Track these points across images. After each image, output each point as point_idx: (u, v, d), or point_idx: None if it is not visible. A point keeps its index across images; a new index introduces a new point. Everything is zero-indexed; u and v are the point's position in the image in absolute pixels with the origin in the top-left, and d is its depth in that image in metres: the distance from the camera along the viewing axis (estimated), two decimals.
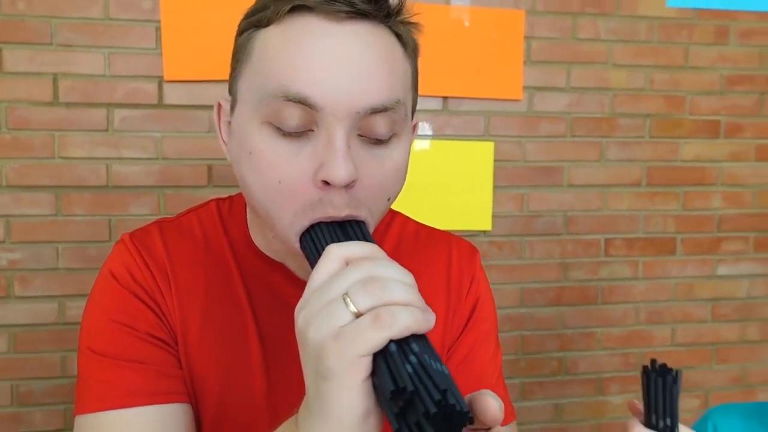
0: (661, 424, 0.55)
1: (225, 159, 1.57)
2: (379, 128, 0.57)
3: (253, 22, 0.60)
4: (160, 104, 1.60)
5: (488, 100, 1.77)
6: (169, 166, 1.62)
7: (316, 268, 0.47)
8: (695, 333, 2.01)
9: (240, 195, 0.76)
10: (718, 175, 1.97)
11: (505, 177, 1.81)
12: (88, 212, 1.59)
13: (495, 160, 1.79)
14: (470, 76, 1.73)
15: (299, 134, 0.56)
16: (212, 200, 0.78)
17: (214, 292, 0.70)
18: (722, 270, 2.01)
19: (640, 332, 1.97)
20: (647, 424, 0.57)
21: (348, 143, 0.55)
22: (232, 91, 0.63)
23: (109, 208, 1.60)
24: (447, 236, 0.83)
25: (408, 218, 0.83)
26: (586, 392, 1.94)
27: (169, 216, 0.77)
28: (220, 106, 0.67)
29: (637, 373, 1.95)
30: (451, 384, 0.41)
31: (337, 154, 0.54)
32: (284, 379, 0.69)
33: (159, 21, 1.57)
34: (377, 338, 0.41)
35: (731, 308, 2.03)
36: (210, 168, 1.63)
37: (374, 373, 0.43)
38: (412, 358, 0.41)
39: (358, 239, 0.55)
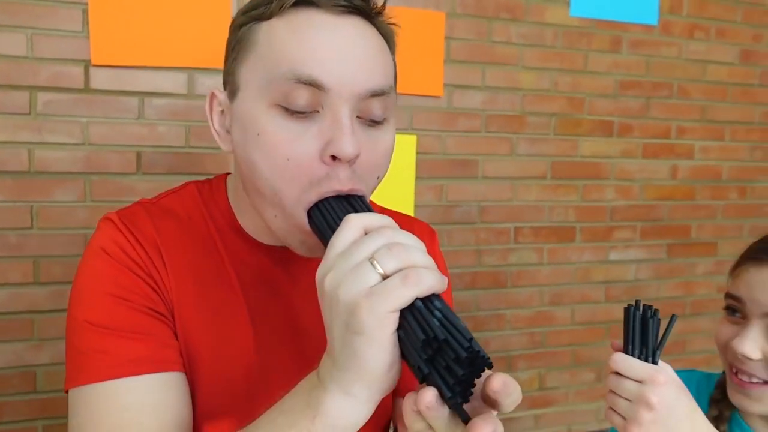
0: (635, 352, 0.66)
1: (155, 146, 1.58)
2: (375, 110, 0.64)
3: (254, 17, 0.65)
4: (86, 89, 1.56)
5: (412, 96, 1.87)
6: (95, 152, 1.59)
7: (336, 234, 0.52)
8: (591, 313, 2.21)
9: (218, 179, 0.80)
10: (611, 170, 2.19)
11: (426, 169, 1.92)
12: (9, 198, 1.53)
13: (417, 153, 1.89)
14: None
15: (305, 115, 0.61)
16: (190, 183, 0.80)
17: (204, 270, 0.72)
18: (614, 255, 2.23)
19: (544, 313, 2.14)
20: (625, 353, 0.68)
21: (352, 122, 0.62)
22: (232, 81, 0.67)
23: (32, 194, 1.54)
24: (409, 218, 0.91)
25: (372, 201, 0.90)
26: (497, 369, 2.08)
27: (147, 198, 0.78)
28: (213, 96, 0.70)
29: (542, 350, 2.14)
30: (469, 333, 0.47)
31: (345, 131, 0.60)
32: (273, 353, 0.74)
33: (86, 3, 1.54)
34: (406, 295, 0.47)
35: (621, 290, 2.26)
36: (139, 155, 1.62)
37: (400, 327, 0.49)
38: (437, 313, 0.48)
39: (362, 209, 0.62)
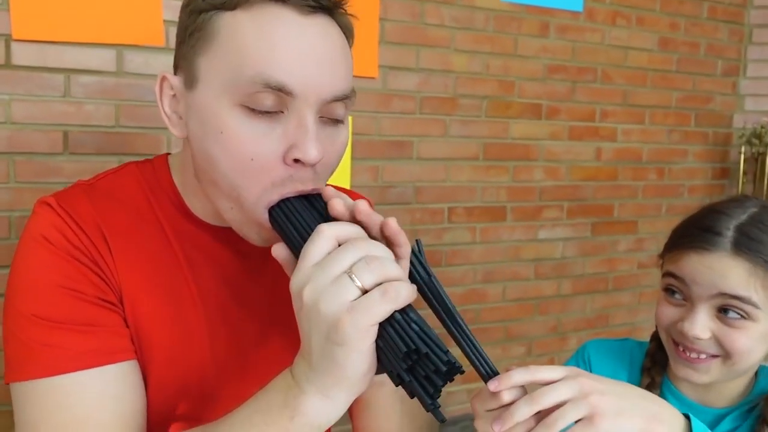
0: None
1: (83, 126, 1.53)
2: (338, 111, 0.65)
3: (216, 5, 0.63)
4: (7, 65, 1.49)
5: None
6: (18, 132, 1.52)
7: (310, 245, 0.54)
8: (521, 289, 2.30)
9: (159, 159, 0.78)
10: (540, 151, 2.26)
11: (362, 150, 1.93)
12: None
13: (353, 134, 1.90)
14: None
15: (270, 115, 0.61)
16: (129, 164, 0.77)
17: (151, 253, 0.71)
18: (542, 234, 2.32)
19: (477, 290, 2.21)
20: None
21: (316, 126, 0.63)
22: (188, 68, 0.65)
23: None
24: (352, 194, 0.93)
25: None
26: None
27: (83, 179, 0.75)
28: (164, 78, 0.68)
29: (475, 326, 2.20)
30: (443, 344, 0.52)
31: (310, 137, 0.61)
32: (225, 333, 0.74)
33: None
34: (385, 309, 0.51)
35: (549, 267, 2.35)
36: (66, 134, 1.56)
37: (379, 337, 0.52)
38: (414, 326, 0.52)
39: (323, 209, 0.63)
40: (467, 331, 0.61)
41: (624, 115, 2.42)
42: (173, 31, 1.62)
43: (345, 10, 0.68)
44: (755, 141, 2.56)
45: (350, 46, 0.69)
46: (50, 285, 0.65)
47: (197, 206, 0.74)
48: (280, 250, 0.61)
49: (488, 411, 0.61)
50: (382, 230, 0.58)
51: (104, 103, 1.59)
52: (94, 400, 0.63)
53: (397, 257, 0.58)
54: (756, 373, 0.87)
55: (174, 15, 1.61)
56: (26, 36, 1.49)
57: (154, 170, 0.76)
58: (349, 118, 0.69)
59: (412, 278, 0.60)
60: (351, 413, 0.85)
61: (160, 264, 0.71)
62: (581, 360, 0.95)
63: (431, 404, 0.52)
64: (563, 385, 0.60)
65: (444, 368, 0.50)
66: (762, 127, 2.57)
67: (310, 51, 0.61)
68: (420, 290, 0.60)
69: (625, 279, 2.52)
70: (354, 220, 0.59)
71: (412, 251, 0.61)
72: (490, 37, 2.09)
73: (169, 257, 0.72)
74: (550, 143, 2.27)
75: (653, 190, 2.54)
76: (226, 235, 0.74)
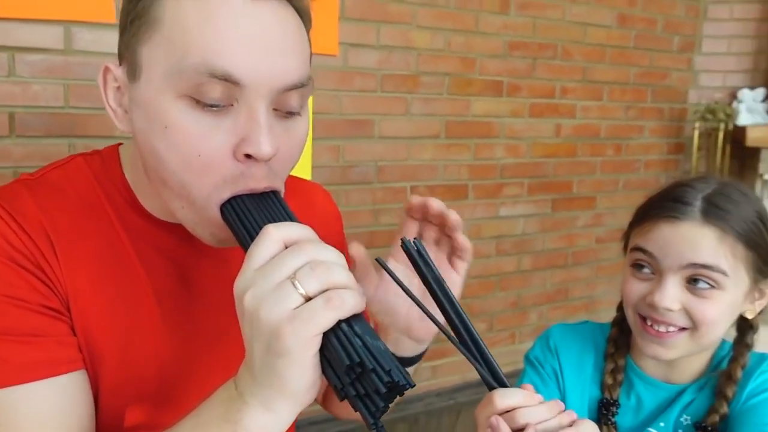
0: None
1: (30, 107, 1.46)
2: (293, 102, 0.61)
3: None
4: None
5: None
6: None
7: (255, 247, 0.51)
8: (483, 267, 2.31)
9: (109, 151, 0.73)
10: (501, 129, 2.26)
11: (323, 129, 1.90)
12: None
13: (313, 113, 1.87)
14: None
15: (218, 108, 0.58)
16: (77, 156, 0.73)
17: (101, 254, 0.67)
18: (503, 211, 2.33)
19: None
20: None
21: (269, 118, 0.59)
22: (131, 58, 0.61)
23: None
24: (308, 183, 0.91)
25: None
26: None
27: (25, 172, 0.71)
28: (107, 69, 0.64)
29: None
30: (390, 359, 0.49)
31: (262, 130, 0.57)
32: (184, 334, 0.71)
33: None
34: (329, 319, 0.48)
35: (510, 244, 2.37)
36: (12, 116, 1.49)
37: (323, 347, 0.49)
38: (357, 340, 0.49)
39: (278, 209, 0.60)
40: (476, 336, 0.59)
41: (583, 92, 2.43)
42: None
43: None
44: (709, 116, 2.61)
45: (307, 30, 0.65)
46: None
47: (151, 202, 0.70)
48: (356, 249, 0.63)
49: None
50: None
51: (52, 82, 1.52)
52: (38, 415, 0.60)
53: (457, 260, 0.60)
54: (715, 351, 0.90)
55: None
56: None
57: (104, 164, 0.72)
58: (309, 98, 0.66)
59: (423, 279, 0.60)
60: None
61: (111, 263, 0.68)
62: (547, 349, 0.96)
63: (373, 424, 0.49)
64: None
65: (384, 389, 0.47)
66: (716, 103, 2.63)
67: (259, 36, 0.57)
68: (430, 290, 0.60)
69: (583, 253, 2.56)
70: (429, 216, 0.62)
71: (418, 251, 0.60)
72: (451, 14, 2.07)
73: (121, 255, 0.69)
74: (511, 120, 2.27)
75: (611, 165, 2.58)
76: (181, 231, 0.70)
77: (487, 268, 2.32)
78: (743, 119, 2.61)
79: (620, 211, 2.62)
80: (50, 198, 0.67)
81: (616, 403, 0.90)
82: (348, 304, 0.49)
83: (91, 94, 1.55)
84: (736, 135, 2.60)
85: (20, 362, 0.60)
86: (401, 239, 0.62)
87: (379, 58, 1.97)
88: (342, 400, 0.50)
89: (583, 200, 2.52)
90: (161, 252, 0.71)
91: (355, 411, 0.50)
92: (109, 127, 1.58)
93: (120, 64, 0.64)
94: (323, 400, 0.88)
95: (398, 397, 0.49)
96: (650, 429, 0.89)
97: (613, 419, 0.90)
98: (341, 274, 0.50)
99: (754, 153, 2.59)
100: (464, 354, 0.59)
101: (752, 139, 2.50)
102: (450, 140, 2.15)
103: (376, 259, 0.62)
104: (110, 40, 1.54)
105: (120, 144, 0.74)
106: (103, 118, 1.57)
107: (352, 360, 0.47)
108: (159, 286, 0.70)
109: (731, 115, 2.60)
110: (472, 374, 2.30)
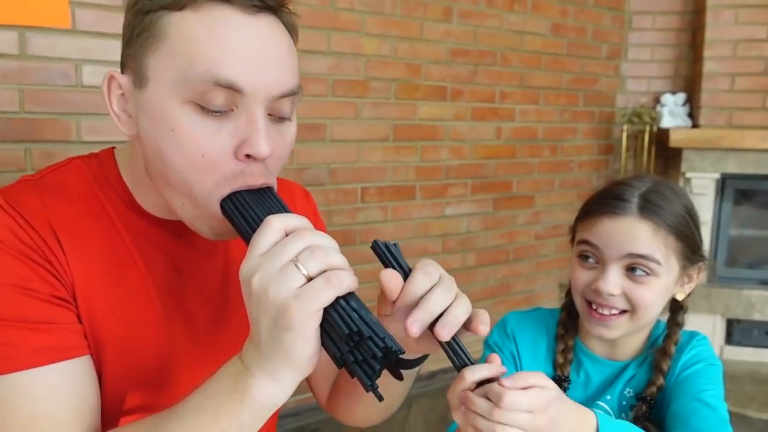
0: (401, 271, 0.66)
1: None
2: (285, 108, 0.68)
3: (163, 5, 0.64)
4: None
5: None
6: None
7: (259, 236, 0.57)
8: None
9: (105, 154, 0.78)
10: (446, 132, 2.37)
11: None
12: None
13: None
14: None
15: (220, 113, 0.64)
16: (74, 159, 0.77)
17: (103, 249, 0.72)
18: (449, 210, 2.44)
19: None
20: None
21: (266, 122, 0.66)
22: (137, 68, 0.66)
23: None
24: (288, 182, 0.97)
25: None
26: None
27: (27, 174, 0.75)
28: (112, 78, 0.69)
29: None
30: (383, 329, 0.56)
31: (261, 133, 0.64)
32: (180, 322, 0.77)
33: None
34: (329, 295, 0.54)
35: (455, 241, 2.48)
36: None
37: (323, 322, 0.56)
38: (354, 314, 0.56)
39: (273, 202, 0.67)
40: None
41: (521, 96, 2.57)
42: (80, 14, 1.57)
43: (289, 9, 0.70)
44: (635, 119, 2.80)
45: (295, 44, 0.72)
46: (3, 284, 0.65)
47: (147, 201, 0.75)
48: (388, 278, 0.63)
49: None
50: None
51: (7, 87, 1.51)
52: (49, 397, 0.65)
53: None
54: (651, 330, 1.01)
55: None
56: None
57: (101, 165, 0.76)
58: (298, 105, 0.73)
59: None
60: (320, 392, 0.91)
61: (112, 258, 0.72)
62: (504, 334, 1.05)
63: (370, 385, 0.56)
64: (528, 395, 0.64)
65: (380, 354, 0.54)
66: (641, 107, 2.81)
67: (258, 50, 0.64)
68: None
69: (523, 250, 2.70)
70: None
71: (389, 251, 0.66)
72: (397, 22, 2.16)
73: (121, 251, 0.73)
74: (454, 124, 2.38)
75: (547, 166, 2.73)
76: (176, 227, 0.76)
77: None
78: (666, 122, 2.81)
79: (556, 209, 2.78)
80: (53, 197, 0.71)
81: (567, 380, 1.00)
82: (345, 282, 0.55)
83: (47, 99, 1.55)
84: (661, 137, 2.80)
85: (33, 347, 0.64)
86: (374, 241, 0.68)
87: (330, 64, 2.03)
88: (340, 367, 0.57)
89: (522, 199, 2.66)
90: (158, 247, 0.76)
91: (352, 377, 0.57)
92: (65, 131, 1.58)
93: (123, 73, 0.69)
94: (327, 403, 0.94)
95: (391, 363, 0.57)
96: (599, 402, 0.99)
97: (565, 394, 1.00)
98: (337, 256, 0.57)
99: (677, 153, 2.79)
100: (441, 344, 0.65)
101: (675, 140, 2.69)
102: (398, 143, 2.24)
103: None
104: (65, 46, 1.56)
105: (114, 148, 0.79)
106: (59, 122, 1.58)
107: (351, 329, 0.54)
108: (157, 279, 0.75)
109: (656, 118, 2.79)
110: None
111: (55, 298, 0.67)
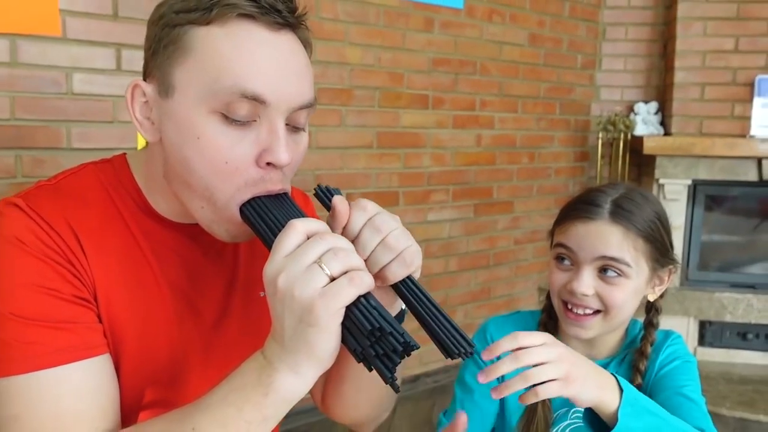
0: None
1: None
2: (301, 119, 0.72)
3: (190, 20, 0.68)
4: None
5: None
6: None
7: (283, 238, 0.61)
8: None
9: (118, 159, 0.81)
10: (428, 139, 2.42)
11: None
12: None
13: None
14: None
15: (243, 123, 0.68)
16: (87, 165, 0.80)
17: (121, 250, 0.75)
18: (431, 216, 2.49)
19: None
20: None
21: (285, 132, 0.70)
22: (162, 78, 0.70)
23: None
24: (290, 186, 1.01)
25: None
26: None
27: (42, 179, 0.77)
28: (137, 86, 0.72)
29: None
30: (400, 325, 0.60)
31: (281, 142, 0.68)
32: (190, 322, 0.80)
33: None
34: (352, 294, 0.58)
35: (437, 247, 2.53)
36: None
37: (345, 319, 0.60)
38: (374, 312, 0.60)
39: (291, 207, 0.71)
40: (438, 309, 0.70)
41: (500, 105, 2.64)
42: (70, 22, 1.59)
43: (306, 26, 0.75)
44: (610, 127, 2.88)
45: (309, 58, 0.77)
46: (27, 285, 0.67)
47: (161, 205, 0.78)
48: (341, 200, 0.68)
49: None
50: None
51: None
52: (74, 394, 0.67)
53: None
54: (627, 329, 1.06)
55: (71, 4, 1.58)
56: None
57: (115, 170, 0.79)
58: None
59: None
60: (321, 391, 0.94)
61: (128, 260, 0.76)
62: (484, 341, 1.09)
63: (390, 377, 0.60)
64: (545, 349, 0.75)
65: (401, 348, 0.58)
66: (616, 115, 2.90)
67: (281, 64, 0.69)
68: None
69: (503, 254, 2.76)
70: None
71: (331, 194, 0.70)
72: (380, 32, 2.21)
73: (136, 253, 0.77)
74: (436, 131, 2.43)
75: (525, 172, 2.79)
76: (189, 230, 0.79)
77: None
78: (639, 130, 2.89)
79: (534, 215, 2.84)
80: (71, 200, 0.74)
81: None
82: (365, 282, 0.59)
83: (38, 107, 1.57)
84: (635, 144, 2.88)
85: (58, 346, 0.67)
86: (316, 186, 0.74)
87: (315, 73, 2.05)
88: (359, 361, 0.61)
89: (502, 205, 2.72)
90: (171, 249, 0.79)
91: (370, 371, 0.61)
92: (56, 138, 1.60)
93: (146, 81, 0.73)
94: (322, 403, 0.97)
95: (406, 356, 0.61)
96: None
97: None
98: (357, 258, 0.61)
99: (651, 160, 2.87)
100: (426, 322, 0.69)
101: (648, 147, 2.77)
102: (381, 150, 2.28)
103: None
104: (56, 54, 1.58)
105: (125, 154, 0.82)
106: (49, 129, 1.59)
107: (373, 326, 0.58)
108: (170, 279, 0.78)
109: (630, 126, 2.87)
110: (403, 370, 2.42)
111: (77, 298, 0.70)
